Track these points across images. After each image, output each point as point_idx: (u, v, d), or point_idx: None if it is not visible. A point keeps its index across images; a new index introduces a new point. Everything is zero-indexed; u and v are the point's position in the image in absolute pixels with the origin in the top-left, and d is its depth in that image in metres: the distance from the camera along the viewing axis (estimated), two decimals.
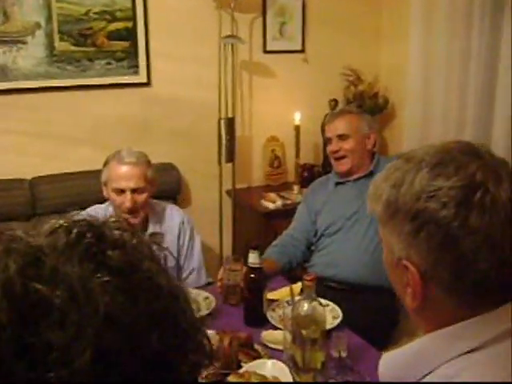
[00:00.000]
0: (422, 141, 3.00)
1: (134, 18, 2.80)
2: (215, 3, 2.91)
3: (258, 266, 1.83)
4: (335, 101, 3.22)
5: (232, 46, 2.89)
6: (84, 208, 2.21)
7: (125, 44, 2.82)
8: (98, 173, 2.75)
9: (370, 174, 2.37)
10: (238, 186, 3.20)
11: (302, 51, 3.24)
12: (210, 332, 1.72)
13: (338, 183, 2.44)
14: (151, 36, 2.87)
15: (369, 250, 2.25)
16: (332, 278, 2.26)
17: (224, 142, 2.96)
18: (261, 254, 1.89)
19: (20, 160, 2.71)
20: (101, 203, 2.31)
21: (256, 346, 1.68)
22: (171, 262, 2.27)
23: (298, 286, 2.02)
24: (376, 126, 2.50)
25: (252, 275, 1.83)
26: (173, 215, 2.32)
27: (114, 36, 2.79)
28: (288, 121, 3.18)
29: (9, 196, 2.64)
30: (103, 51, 2.78)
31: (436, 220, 0.77)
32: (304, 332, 1.51)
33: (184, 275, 2.31)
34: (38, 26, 2.64)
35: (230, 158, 3.00)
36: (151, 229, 2.23)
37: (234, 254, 2.65)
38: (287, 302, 1.76)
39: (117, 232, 0.52)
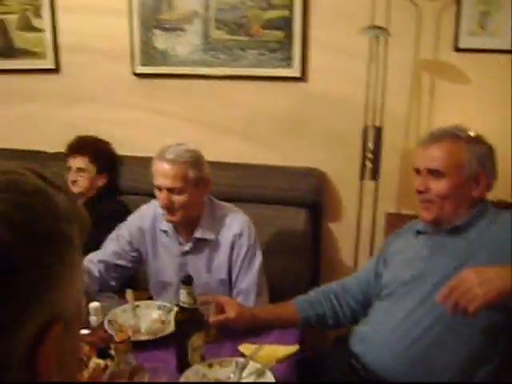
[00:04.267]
0: None
1: (291, 6, 2.56)
2: None
3: (186, 305, 1.49)
4: None
5: (386, 40, 2.34)
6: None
7: (279, 34, 2.60)
8: (243, 166, 2.74)
9: (455, 230, 1.63)
10: (404, 211, 2.64)
11: None
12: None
13: (418, 232, 1.76)
14: (309, 26, 2.57)
15: (410, 335, 1.58)
16: (355, 355, 1.68)
17: (369, 155, 2.47)
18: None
19: (166, 141, 2.82)
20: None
21: None
22: (222, 275, 2.08)
23: None
24: (491, 164, 1.67)
25: (178, 316, 1.51)
26: (231, 225, 2.09)
27: (268, 25, 2.61)
28: None
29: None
30: (256, 41, 2.64)
31: None
32: None
33: (234, 294, 2.07)
34: (196, 14, 2.68)
35: (374, 175, 2.48)
36: (199, 233, 2.06)
37: None
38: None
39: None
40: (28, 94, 2.98)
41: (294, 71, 2.63)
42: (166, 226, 2.10)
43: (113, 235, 2.19)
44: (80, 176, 2.64)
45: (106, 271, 2.12)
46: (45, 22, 2.86)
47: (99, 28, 2.80)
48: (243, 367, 1.52)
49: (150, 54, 2.78)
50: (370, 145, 2.46)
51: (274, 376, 1.47)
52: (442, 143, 1.66)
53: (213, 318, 1.68)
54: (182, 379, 1.43)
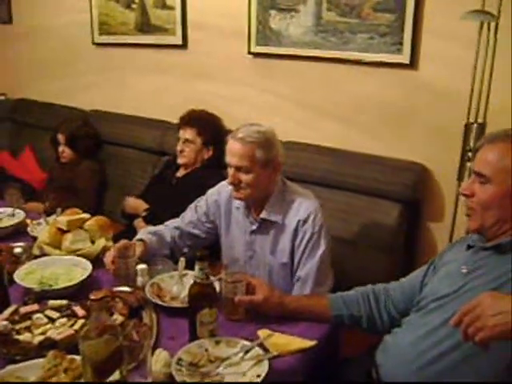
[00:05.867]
0: None
1: None
2: None
3: (198, 280, 1.55)
4: None
5: (496, 27, 2.07)
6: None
7: (390, 17, 2.46)
8: (341, 152, 2.69)
9: (498, 248, 1.44)
10: None
11: None
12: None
13: (469, 246, 1.57)
14: (422, 9, 2.38)
15: (427, 356, 1.45)
16: (376, 364, 1.59)
17: (469, 154, 2.24)
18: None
19: (273, 120, 2.86)
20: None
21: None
22: (285, 259, 2.10)
23: None
24: None
25: (190, 289, 1.57)
26: (298, 209, 2.07)
27: (380, 7, 2.48)
28: None
29: None
30: (367, 24, 2.53)
31: None
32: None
33: (294, 280, 2.09)
34: None
35: None
36: (264, 214, 2.09)
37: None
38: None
39: None
40: (158, 67, 3.24)
41: (404, 57, 2.48)
42: (238, 203, 2.17)
43: (192, 205, 2.32)
44: (187, 147, 2.81)
45: (180, 238, 2.26)
46: (176, 0, 3.07)
47: (221, 7, 2.92)
48: (247, 351, 1.54)
49: (265, 34, 2.84)
50: (472, 143, 2.23)
51: (271, 366, 1.48)
52: (494, 144, 1.45)
53: (239, 297, 1.72)
54: (181, 351, 1.51)
